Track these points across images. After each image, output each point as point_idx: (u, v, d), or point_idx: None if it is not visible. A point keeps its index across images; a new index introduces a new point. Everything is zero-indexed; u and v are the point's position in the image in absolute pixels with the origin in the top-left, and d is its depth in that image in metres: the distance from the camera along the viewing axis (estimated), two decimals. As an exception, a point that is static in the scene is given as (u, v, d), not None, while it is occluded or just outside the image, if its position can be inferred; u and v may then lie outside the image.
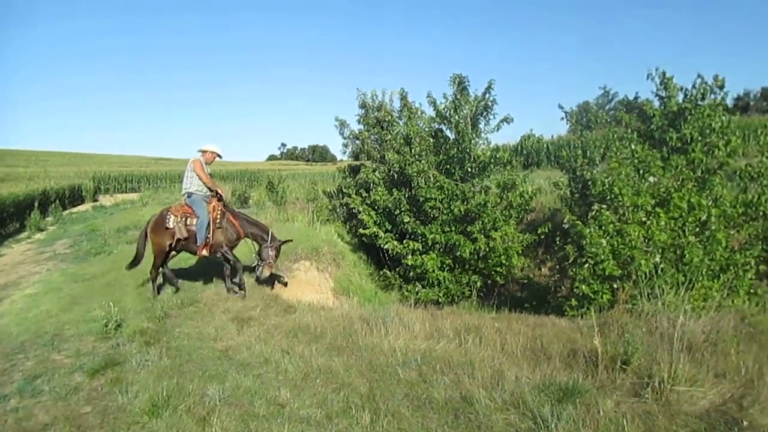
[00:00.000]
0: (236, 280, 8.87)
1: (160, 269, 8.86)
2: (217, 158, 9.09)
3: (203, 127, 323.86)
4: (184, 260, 10.55)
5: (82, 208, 28.44)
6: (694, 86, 10.42)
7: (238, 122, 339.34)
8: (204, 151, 8.89)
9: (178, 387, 4.91)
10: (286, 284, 10.12)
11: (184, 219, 8.59)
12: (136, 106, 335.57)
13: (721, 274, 8.43)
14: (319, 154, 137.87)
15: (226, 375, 5.28)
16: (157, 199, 26.48)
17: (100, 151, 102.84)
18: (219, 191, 8.88)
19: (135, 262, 8.83)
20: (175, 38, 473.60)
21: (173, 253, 8.98)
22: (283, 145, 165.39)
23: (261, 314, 7.54)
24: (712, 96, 10.29)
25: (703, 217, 8.50)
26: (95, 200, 33.81)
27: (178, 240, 8.55)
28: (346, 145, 19.03)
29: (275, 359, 5.68)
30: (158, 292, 8.83)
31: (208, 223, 8.58)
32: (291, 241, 9.99)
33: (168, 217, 8.61)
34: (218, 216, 8.70)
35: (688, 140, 10.16)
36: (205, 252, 8.62)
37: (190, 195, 8.76)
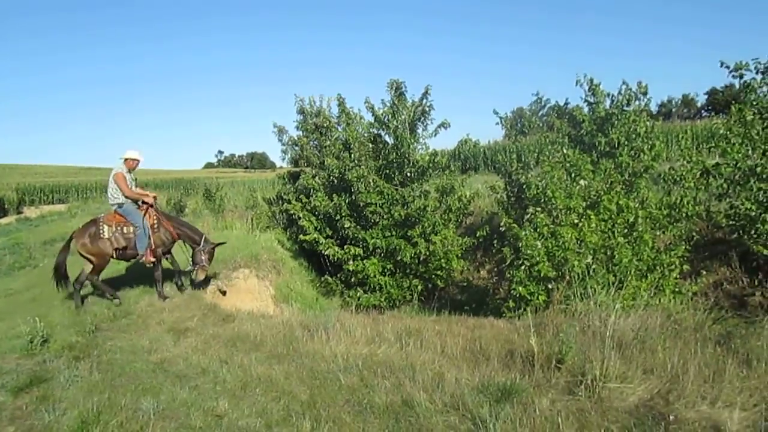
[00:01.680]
0: (177, 281, 9.29)
1: (95, 283, 8.82)
2: (138, 165, 9.08)
3: (136, 134, 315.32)
4: (116, 270, 10.22)
5: (4, 220, 27.14)
6: (620, 92, 10.85)
7: (173, 129, 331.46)
8: (125, 159, 8.85)
9: (109, 402, 4.73)
10: (224, 293, 9.93)
11: (119, 228, 8.64)
12: (61, 113, 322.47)
13: (648, 274, 8.72)
14: (257, 161, 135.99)
15: (161, 388, 5.13)
16: (87, 209, 25.58)
17: (23, 162, 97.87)
18: (146, 200, 8.93)
19: (59, 278, 8.72)
20: (106, 42, 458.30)
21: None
22: (221, 152, 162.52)
23: (198, 324, 7.38)
24: (637, 102, 10.74)
25: (631, 219, 8.78)
26: (19, 212, 32.30)
27: (116, 249, 8.60)
28: (285, 152, 18.95)
29: (213, 369, 5.56)
30: (82, 303, 8.67)
31: (148, 231, 8.72)
32: (224, 243, 9.98)
33: (102, 227, 8.58)
34: (155, 222, 8.88)
35: (616, 144, 10.56)
36: (152, 258, 8.74)
37: (120, 206, 8.74)
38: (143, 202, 8.93)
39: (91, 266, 8.62)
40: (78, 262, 8.85)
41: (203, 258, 9.03)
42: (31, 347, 6.33)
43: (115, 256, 8.73)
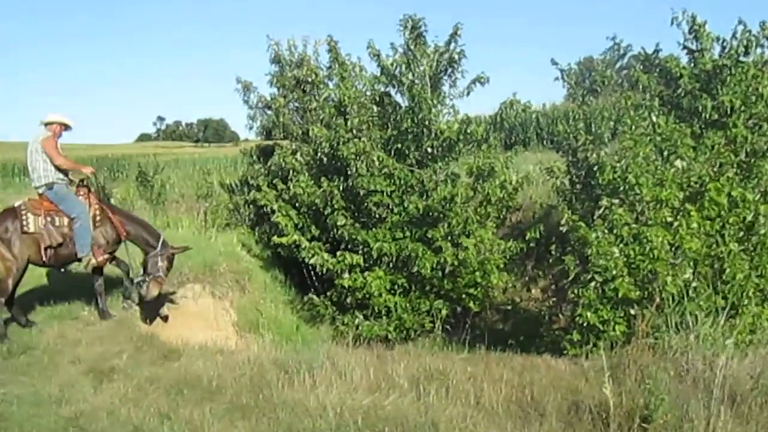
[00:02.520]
0: (103, 304, 9.24)
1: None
2: (66, 131, 9.10)
3: (39, 99, 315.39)
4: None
5: None
6: (734, 36, 10.76)
7: (92, 89, 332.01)
8: (48, 124, 8.85)
9: (3, 474, 4.75)
10: (166, 318, 9.96)
11: (49, 219, 8.58)
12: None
13: (774, 297, 8.71)
14: (213, 132, 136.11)
15: (77, 453, 5.15)
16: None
17: None
18: (84, 171, 9.01)
19: None
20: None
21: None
22: (161, 119, 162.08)
23: (129, 363, 7.40)
24: (759, 50, 10.65)
25: (749, 217, 8.74)
26: None
27: (47, 249, 8.50)
28: (252, 118, 18.82)
29: (150, 428, 5.58)
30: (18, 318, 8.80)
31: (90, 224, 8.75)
32: (189, 248, 10.12)
33: (26, 218, 8.46)
34: (97, 213, 8.91)
35: (728, 111, 10.47)
36: (103, 257, 8.84)
37: (50, 186, 8.72)
38: (81, 183, 8.99)
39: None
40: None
41: (160, 266, 9.03)
42: None
43: (44, 258, 8.61)
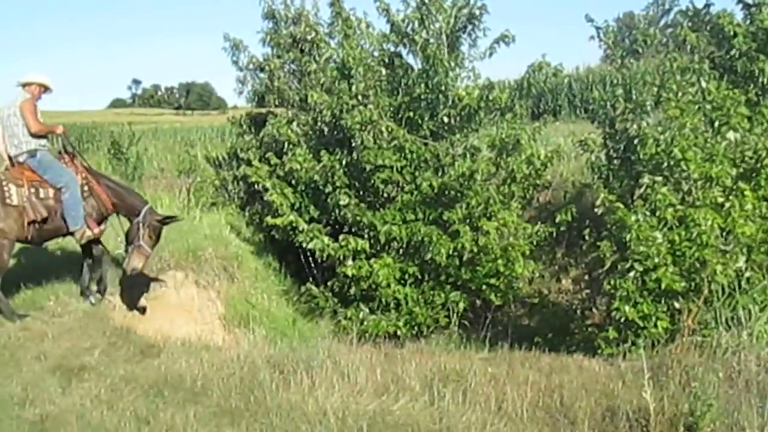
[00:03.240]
0: (98, 277, 9.51)
1: None
2: (46, 93, 9.26)
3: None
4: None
5: None
6: (798, -12, 10.72)
7: (60, 51, 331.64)
8: (26, 85, 8.97)
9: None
10: (144, 310, 10.02)
11: (33, 191, 8.69)
12: None
13: (838, 288, 8.71)
14: (197, 98, 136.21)
15: (43, 462, 5.20)
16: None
17: None
18: (54, 131, 9.21)
19: None
20: None
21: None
22: (136, 83, 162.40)
23: (101, 360, 7.45)
24: (828, 5, 10.61)
25: (813, 198, 8.76)
26: None
27: (30, 223, 8.62)
28: (242, 81, 18.81)
29: (127, 433, 5.62)
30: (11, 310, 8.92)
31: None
32: (178, 219, 10.33)
33: (8, 188, 8.55)
34: (83, 182, 9.04)
35: (791, 75, 10.45)
36: (97, 228, 9.03)
37: (33, 154, 8.85)
38: (64, 151, 9.22)
39: None
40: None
41: (142, 234, 9.08)
42: None
43: (27, 235, 8.75)
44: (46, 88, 9.19)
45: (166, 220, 9.54)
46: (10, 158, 8.90)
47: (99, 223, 9.19)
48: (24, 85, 8.97)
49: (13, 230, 8.56)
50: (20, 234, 8.65)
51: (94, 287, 9.41)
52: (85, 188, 9.01)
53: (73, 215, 8.76)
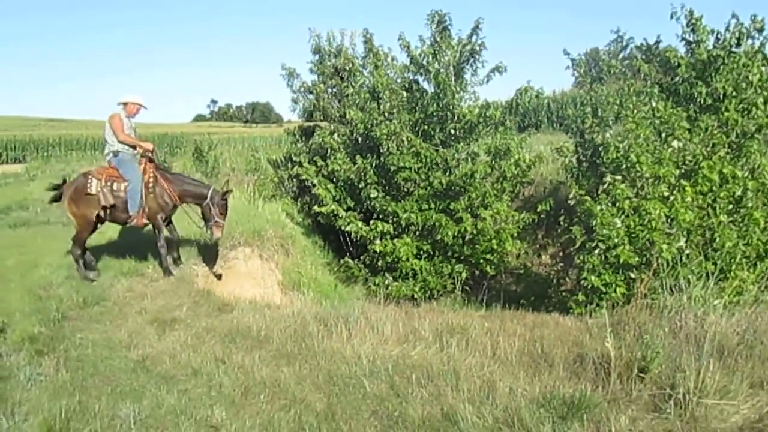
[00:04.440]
0: (170, 255, 9.54)
1: (74, 254, 9.07)
2: (142, 110, 9.40)
3: (109, 79, 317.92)
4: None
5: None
6: (727, 29, 10.61)
7: (154, 73, 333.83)
8: (124, 104, 9.13)
9: (80, 407, 4.84)
10: (219, 277, 10.08)
11: (109, 184, 8.89)
12: (18, 54, 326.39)
13: (758, 262, 8.62)
14: (260, 114, 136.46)
15: (144, 391, 5.24)
16: (49, 171, 25.74)
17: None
18: (143, 147, 9.21)
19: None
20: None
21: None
22: (214, 102, 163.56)
23: (188, 314, 7.49)
24: (750, 41, 10.49)
25: (738, 192, 8.66)
26: (-35, 174, 32.87)
27: (104, 208, 8.85)
28: (295, 101, 18.75)
29: (207, 371, 5.65)
30: (87, 269, 9.12)
31: (141, 188, 8.97)
32: (231, 191, 10.19)
33: (90, 181, 8.84)
34: (150, 180, 9.09)
35: (721, 96, 10.33)
36: (144, 220, 9.08)
37: (116, 154, 9.02)
38: (142, 155, 9.25)
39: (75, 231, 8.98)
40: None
41: (214, 212, 9.25)
42: (-16, 339, 6.49)
43: (102, 216, 8.98)
44: (141, 107, 9.32)
45: (225, 195, 9.55)
46: (109, 152, 9.15)
47: (167, 215, 9.35)
48: (123, 104, 9.13)
49: (92, 213, 8.85)
50: (95, 217, 8.91)
51: (167, 263, 9.46)
52: (150, 184, 9.06)
53: (131, 203, 8.91)
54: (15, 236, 12.56)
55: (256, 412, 4.77)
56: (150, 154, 9.34)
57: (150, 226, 9.45)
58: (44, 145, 47.02)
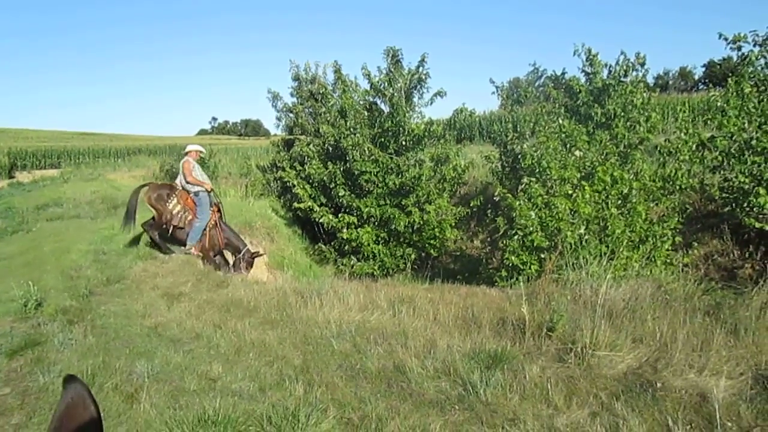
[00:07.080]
0: (231, 268, 9.62)
1: (152, 236, 9.31)
2: (201, 154, 10.09)
3: (130, 98, 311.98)
4: (110, 237, 10.21)
5: (-4, 185, 26.83)
6: (617, 63, 10.82)
7: (166, 94, 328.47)
8: (189, 152, 9.59)
9: (104, 365, 4.74)
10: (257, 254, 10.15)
11: (184, 210, 9.20)
12: (53, 75, 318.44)
13: (640, 245, 8.78)
14: (251, 128, 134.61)
15: (155, 351, 5.14)
16: (80, 174, 25.20)
17: (13, 126, 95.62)
18: (205, 186, 9.39)
19: (128, 218, 9.43)
20: (97, 4, 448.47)
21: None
22: (214, 119, 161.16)
23: (192, 290, 7.38)
24: (635, 73, 10.72)
25: (625, 191, 8.80)
26: (11, 177, 31.98)
27: (169, 221, 9.11)
28: (279, 119, 18.69)
29: (207, 334, 5.58)
30: (166, 245, 9.31)
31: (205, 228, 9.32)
32: (262, 254, 10.31)
33: (173, 196, 9.16)
34: (212, 223, 9.43)
35: (612, 116, 10.54)
36: (196, 252, 9.27)
37: (197, 194, 9.29)
38: (214, 203, 9.55)
39: (152, 220, 9.19)
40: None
41: (242, 266, 9.46)
42: (25, 311, 6.31)
43: (166, 226, 9.12)
44: (201, 152, 9.89)
45: (255, 255, 9.76)
46: (182, 187, 9.34)
47: (215, 253, 9.53)
48: (186, 152, 9.56)
49: (162, 221, 9.10)
50: (166, 223, 9.11)
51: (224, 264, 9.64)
52: (211, 228, 9.35)
53: (192, 236, 9.18)
54: (51, 228, 12.31)
55: (247, 367, 4.72)
56: (216, 200, 9.71)
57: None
58: (76, 153, 46.10)
